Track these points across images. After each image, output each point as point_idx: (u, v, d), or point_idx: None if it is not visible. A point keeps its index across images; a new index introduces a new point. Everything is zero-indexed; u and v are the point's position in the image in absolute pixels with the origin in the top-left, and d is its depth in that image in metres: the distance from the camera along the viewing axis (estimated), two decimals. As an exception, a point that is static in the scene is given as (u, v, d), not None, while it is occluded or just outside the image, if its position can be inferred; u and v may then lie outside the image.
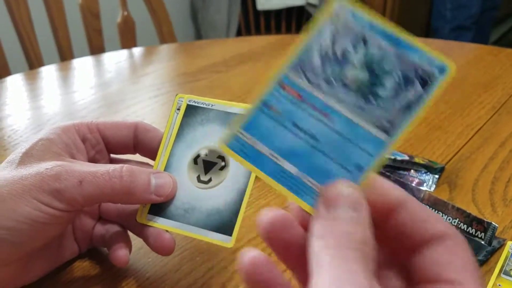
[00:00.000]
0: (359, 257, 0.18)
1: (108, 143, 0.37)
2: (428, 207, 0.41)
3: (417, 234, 0.20)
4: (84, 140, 0.35)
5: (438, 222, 0.20)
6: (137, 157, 0.39)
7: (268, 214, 0.21)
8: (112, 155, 0.38)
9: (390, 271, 0.21)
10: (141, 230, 0.34)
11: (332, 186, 0.20)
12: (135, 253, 0.39)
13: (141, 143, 0.36)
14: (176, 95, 0.37)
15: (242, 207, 0.32)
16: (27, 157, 0.32)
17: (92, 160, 0.36)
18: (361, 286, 0.17)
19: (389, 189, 0.21)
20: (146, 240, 0.34)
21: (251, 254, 0.21)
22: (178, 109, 0.36)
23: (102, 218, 0.38)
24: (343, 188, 0.20)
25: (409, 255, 0.20)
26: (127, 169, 0.32)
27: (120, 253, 0.34)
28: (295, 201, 0.22)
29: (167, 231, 0.34)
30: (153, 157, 0.36)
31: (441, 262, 0.19)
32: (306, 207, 0.22)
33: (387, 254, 0.21)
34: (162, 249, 0.33)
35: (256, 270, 0.21)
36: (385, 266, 0.21)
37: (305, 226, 0.21)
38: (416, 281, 0.19)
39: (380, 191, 0.21)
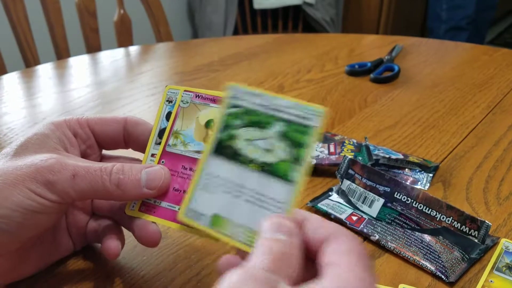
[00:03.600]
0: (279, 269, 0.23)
1: (98, 138, 0.37)
2: (421, 205, 0.41)
3: (314, 241, 0.26)
4: (75, 135, 0.36)
5: (329, 226, 0.26)
6: (129, 153, 0.39)
7: (224, 259, 0.28)
8: (104, 152, 0.39)
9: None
10: (129, 223, 0.35)
11: (271, 217, 0.26)
12: (130, 251, 0.39)
13: (131, 136, 0.37)
14: (166, 86, 0.37)
15: None
16: (22, 150, 0.32)
17: (84, 154, 0.36)
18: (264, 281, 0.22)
19: (295, 212, 0.27)
20: (133, 232, 0.34)
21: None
22: (168, 101, 0.36)
23: (95, 214, 0.38)
24: (272, 218, 0.26)
25: (316, 253, 0.25)
26: (117, 167, 0.32)
27: (111, 245, 0.34)
28: (241, 248, 0.28)
29: (154, 222, 0.34)
30: (144, 151, 0.36)
31: (328, 251, 0.24)
32: (250, 250, 0.27)
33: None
34: (146, 239, 0.34)
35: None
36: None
37: None
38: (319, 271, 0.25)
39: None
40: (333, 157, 0.50)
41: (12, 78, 0.80)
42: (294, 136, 0.29)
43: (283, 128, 0.29)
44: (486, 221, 0.39)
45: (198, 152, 0.34)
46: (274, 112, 0.30)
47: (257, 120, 0.30)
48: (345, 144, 0.52)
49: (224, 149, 0.30)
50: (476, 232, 0.39)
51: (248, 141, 0.30)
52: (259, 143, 0.30)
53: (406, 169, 0.50)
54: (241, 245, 0.28)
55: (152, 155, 0.35)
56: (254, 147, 0.30)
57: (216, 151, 0.30)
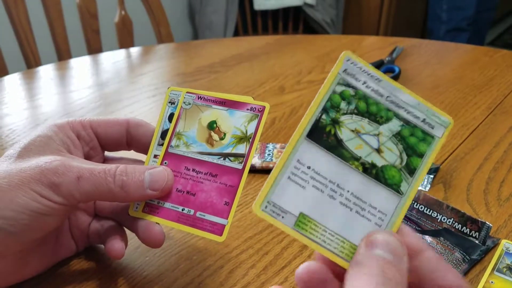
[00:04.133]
0: None
1: (101, 140, 0.37)
2: (422, 206, 0.42)
3: (430, 281, 0.22)
4: (78, 137, 0.36)
5: (450, 274, 0.22)
6: (132, 154, 0.39)
7: (304, 267, 0.24)
8: (106, 154, 0.39)
9: None
10: (133, 224, 0.35)
11: (375, 232, 0.23)
12: (133, 252, 0.39)
13: (134, 138, 0.37)
14: (168, 88, 0.37)
15: (233, 205, 0.33)
16: (26, 152, 0.32)
17: (87, 156, 0.37)
18: None
19: (411, 237, 0.24)
20: (136, 233, 0.35)
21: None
22: (170, 102, 0.37)
23: (97, 215, 0.39)
24: (384, 235, 0.23)
25: None
26: (121, 168, 0.32)
27: (116, 246, 0.35)
28: (330, 258, 0.24)
29: (157, 223, 0.34)
30: (147, 152, 0.36)
31: None
32: (341, 262, 0.24)
33: None
34: (150, 240, 0.34)
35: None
36: None
37: (338, 276, 0.24)
38: None
39: (404, 239, 0.23)
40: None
41: (14, 79, 0.80)
42: (412, 141, 0.25)
43: (400, 129, 0.25)
44: (487, 222, 0.39)
45: (201, 153, 0.35)
46: (393, 106, 0.25)
47: (375, 112, 0.25)
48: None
49: (323, 136, 0.25)
50: (477, 233, 0.40)
51: (354, 133, 0.25)
52: (368, 139, 0.25)
53: (407, 171, 0.50)
54: (336, 258, 0.24)
55: (155, 156, 0.35)
56: (361, 143, 0.25)
57: (312, 135, 0.25)
